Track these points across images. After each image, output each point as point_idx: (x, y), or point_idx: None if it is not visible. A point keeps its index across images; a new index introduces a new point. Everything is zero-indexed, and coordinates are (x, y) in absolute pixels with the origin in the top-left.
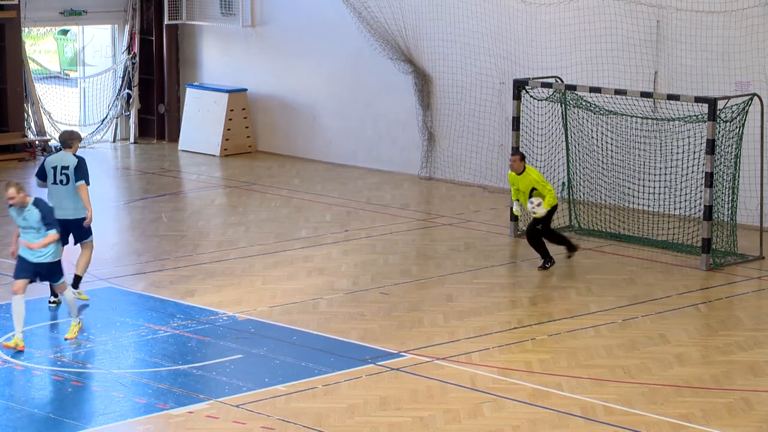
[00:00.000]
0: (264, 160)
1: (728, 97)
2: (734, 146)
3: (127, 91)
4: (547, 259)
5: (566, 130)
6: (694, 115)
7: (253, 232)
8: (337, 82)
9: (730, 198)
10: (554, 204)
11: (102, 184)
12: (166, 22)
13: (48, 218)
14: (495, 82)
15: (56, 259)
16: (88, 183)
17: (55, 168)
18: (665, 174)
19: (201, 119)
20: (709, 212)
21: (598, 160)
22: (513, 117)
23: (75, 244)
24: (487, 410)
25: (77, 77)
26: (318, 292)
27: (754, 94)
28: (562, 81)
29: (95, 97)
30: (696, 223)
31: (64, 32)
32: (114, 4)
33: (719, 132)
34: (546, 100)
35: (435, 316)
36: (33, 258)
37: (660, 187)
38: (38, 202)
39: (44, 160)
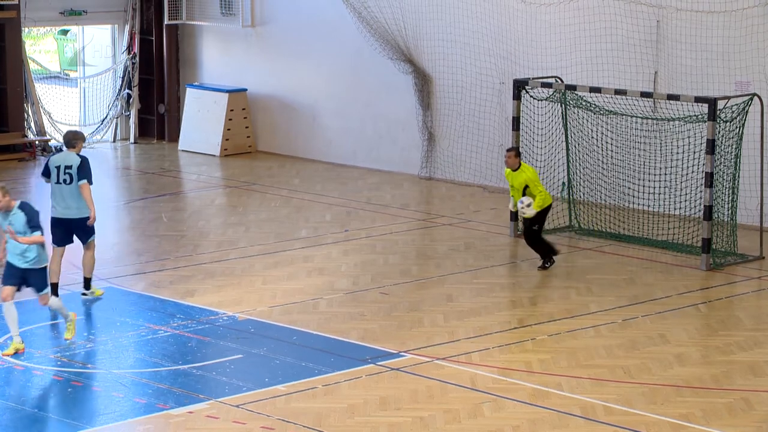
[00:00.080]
0: (264, 160)
1: (728, 97)
2: (734, 146)
3: (127, 91)
4: (547, 259)
5: (566, 130)
6: (694, 115)
7: (253, 232)
8: (337, 82)
9: (730, 198)
10: (546, 205)
11: (102, 184)
12: (166, 22)
13: (34, 221)
14: (495, 82)
15: (41, 266)
16: (90, 182)
17: (58, 167)
18: (665, 174)
19: (201, 119)
20: (709, 212)
21: (598, 160)
22: (513, 117)
23: (83, 243)
24: (487, 410)
25: (77, 77)
26: (318, 292)
27: (754, 94)
28: (562, 81)
29: (95, 97)
30: (696, 223)
31: (64, 32)
32: (114, 4)
33: (719, 132)
34: (546, 100)
35: (435, 316)
36: (21, 264)
37: (660, 187)
38: (24, 206)
39: (48, 159)
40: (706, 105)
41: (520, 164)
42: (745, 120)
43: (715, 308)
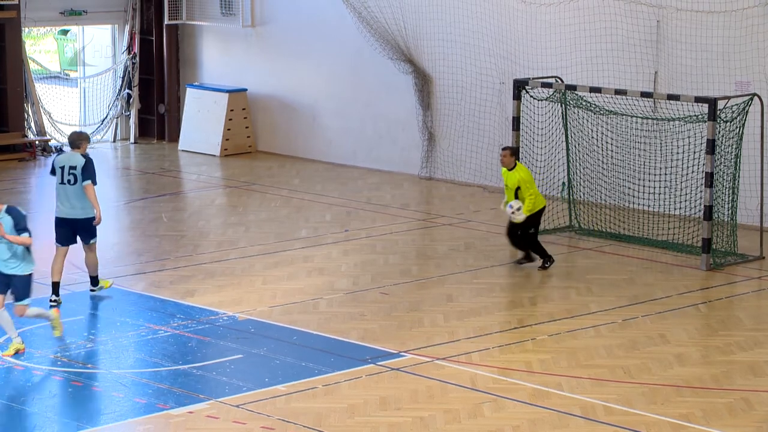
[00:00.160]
0: (264, 160)
1: (728, 97)
2: (734, 146)
3: (127, 91)
4: (546, 259)
5: (566, 130)
6: (694, 115)
7: (253, 232)
8: (337, 82)
9: (731, 198)
10: (539, 208)
11: (102, 184)
12: (166, 22)
13: (21, 224)
14: (495, 82)
15: (26, 273)
16: (95, 183)
17: (63, 168)
18: (665, 174)
19: (201, 119)
20: (709, 212)
21: (598, 160)
22: (513, 117)
23: (84, 243)
24: (487, 410)
25: (77, 77)
26: (318, 292)
27: (754, 94)
28: (562, 81)
29: (95, 97)
30: (696, 223)
31: (64, 32)
32: (114, 4)
33: (719, 132)
34: (546, 100)
35: (435, 316)
36: (6, 270)
37: (660, 187)
38: (11, 210)
39: (54, 158)
40: (706, 105)
41: (515, 164)
42: (745, 120)
43: (715, 308)
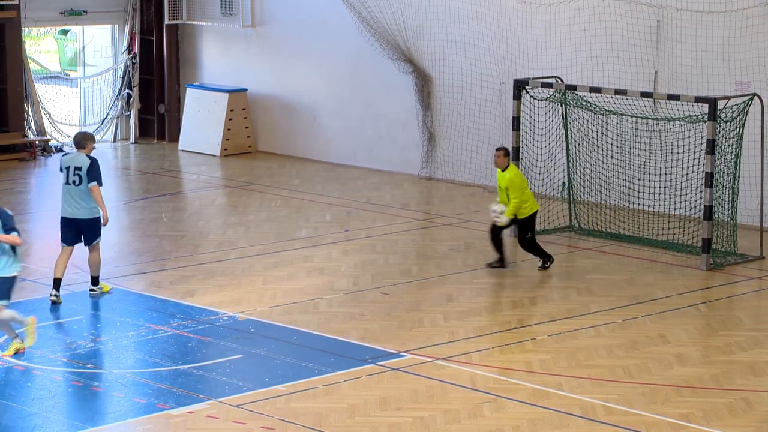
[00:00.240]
0: (264, 160)
1: (728, 97)
2: (734, 146)
3: (127, 91)
4: (546, 259)
5: (566, 130)
6: (695, 115)
7: (253, 232)
8: (337, 82)
9: (731, 198)
10: (531, 213)
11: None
12: (166, 22)
13: (9, 224)
14: (495, 82)
15: (8, 275)
16: (100, 184)
17: (68, 168)
18: (665, 174)
19: (201, 119)
20: (709, 212)
21: (598, 160)
22: (513, 117)
23: (85, 245)
24: (488, 410)
25: (77, 77)
26: (318, 292)
27: (755, 94)
28: (562, 81)
29: (95, 97)
30: (696, 223)
31: (65, 32)
32: (114, 4)
33: (719, 132)
34: (546, 100)
35: (435, 316)
36: None
37: (660, 187)
38: None
39: (61, 158)
40: (707, 105)
41: (509, 164)
42: (745, 120)
43: (715, 308)
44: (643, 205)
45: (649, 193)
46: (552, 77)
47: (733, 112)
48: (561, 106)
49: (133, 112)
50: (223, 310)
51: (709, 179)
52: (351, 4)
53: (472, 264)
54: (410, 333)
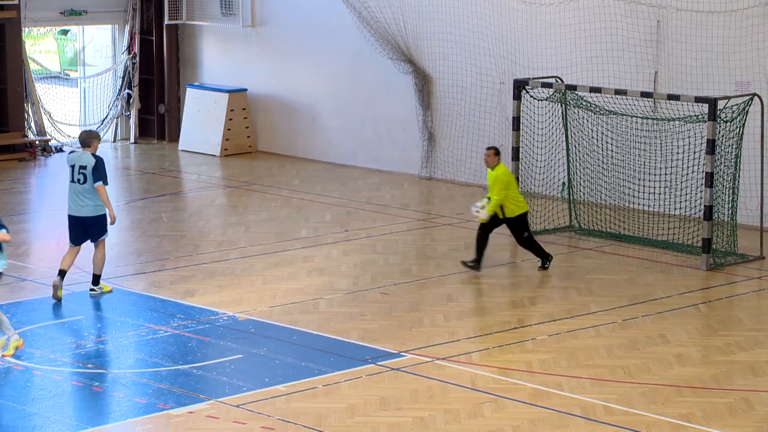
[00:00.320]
0: (264, 160)
1: (728, 97)
2: (734, 146)
3: (127, 91)
4: (545, 258)
5: (566, 130)
6: (695, 115)
7: (253, 232)
8: (337, 82)
9: (731, 198)
10: (521, 212)
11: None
12: (166, 22)
13: None
14: (495, 82)
15: None
16: (106, 183)
17: (73, 167)
18: (665, 174)
19: (201, 119)
20: (709, 212)
21: (598, 160)
22: (513, 117)
23: (91, 241)
24: (488, 410)
25: (77, 77)
26: (318, 292)
27: (755, 94)
28: (562, 81)
29: (95, 97)
30: (696, 223)
31: (65, 32)
32: (114, 4)
33: (719, 132)
34: (546, 100)
35: (435, 316)
36: None
37: (660, 187)
38: None
39: (67, 156)
40: (707, 105)
41: (498, 163)
42: (745, 120)
43: (715, 308)
44: (643, 205)
45: (649, 193)
46: (552, 77)
47: (733, 112)
48: (561, 106)
49: (133, 112)
50: (223, 310)
51: (709, 179)
52: (351, 4)
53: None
54: (410, 333)
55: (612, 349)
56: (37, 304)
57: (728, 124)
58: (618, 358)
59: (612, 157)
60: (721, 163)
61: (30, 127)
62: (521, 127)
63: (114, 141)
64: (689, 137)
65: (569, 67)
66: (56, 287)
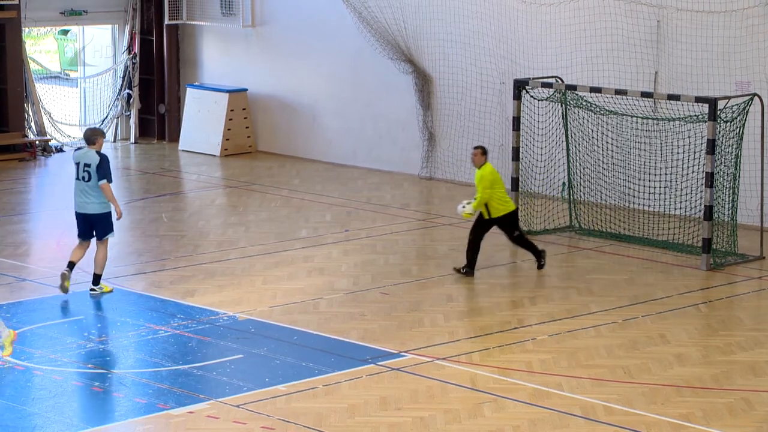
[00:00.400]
0: (264, 160)
1: (728, 97)
2: (735, 146)
3: (127, 91)
4: (539, 256)
5: (566, 130)
6: (695, 115)
7: (254, 232)
8: (337, 82)
9: (731, 198)
10: (508, 212)
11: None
12: (166, 22)
13: None
14: (495, 82)
15: None
16: (110, 181)
17: (78, 164)
18: (666, 174)
19: (201, 119)
20: (709, 212)
21: (599, 160)
22: (513, 117)
23: (97, 239)
24: (488, 410)
25: (77, 77)
26: (318, 292)
27: (755, 94)
28: (562, 81)
29: (96, 97)
30: (696, 223)
31: (65, 32)
32: (114, 4)
33: (720, 132)
34: (546, 100)
35: (435, 316)
36: None
37: (660, 187)
38: None
39: (72, 153)
40: (707, 105)
41: (485, 162)
42: (745, 120)
43: (715, 308)
44: (644, 205)
45: (650, 193)
46: (552, 77)
47: (733, 112)
48: (561, 106)
49: (134, 112)
50: (223, 310)
51: (710, 179)
52: (351, 4)
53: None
54: (410, 333)
55: (612, 349)
56: (37, 304)
57: (728, 124)
58: (618, 358)
59: (612, 157)
60: (721, 163)
61: (30, 127)
62: (521, 127)
63: (114, 141)
64: (689, 137)
65: (569, 67)
66: (64, 277)
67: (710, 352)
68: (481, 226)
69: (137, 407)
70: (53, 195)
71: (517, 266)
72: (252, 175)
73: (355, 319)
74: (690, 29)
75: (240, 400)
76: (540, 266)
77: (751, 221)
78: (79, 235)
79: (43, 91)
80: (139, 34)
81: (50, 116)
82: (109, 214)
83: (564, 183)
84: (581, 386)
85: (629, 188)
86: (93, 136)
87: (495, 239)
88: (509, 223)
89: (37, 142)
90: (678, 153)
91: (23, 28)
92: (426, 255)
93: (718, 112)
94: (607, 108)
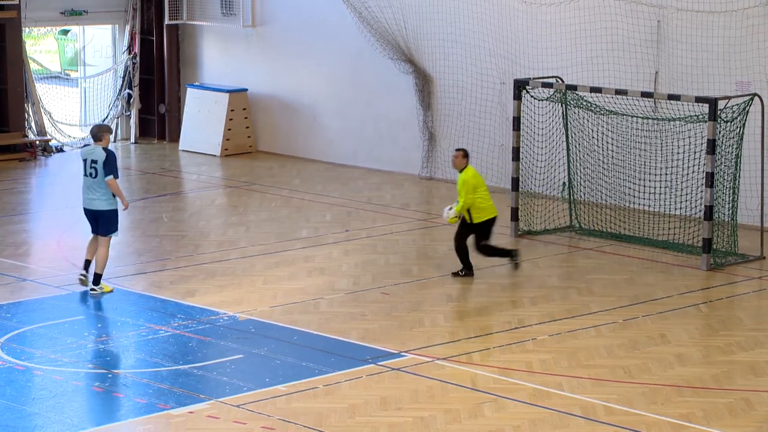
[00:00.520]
0: (264, 160)
1: (729, 97)
2: (735, 146)
3: (127, 91)
4: (510, 255)
5: (567, 130)
6: (695, 115)
7: (254, 232)
8: (337, 82)
9: (731, 198)
10: (488, 218)
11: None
12: (166, 22)
13: None
14: (496, 82)
15: None
16: (116, 177)
17: (85, 161)
18: (666, 174)
19: (201, 119)
20: (709, 212)
21: (599, 160)
22: (513, 117)
23: (101, 235)
24: (488, 410)
25: (78, 77)
26: (319, 292)
27: (755, 94)
28: (562, 81)
29: (96, 97)
30: (697, 223)
31: (65, 32)
32: (114, 4)
33: (720, 132)
34: (546, 100)
35: (435, 316)
36: None
37: (661, 187)
38: None
39: (80, 150)
40: (707, 105)
41: (466, 165)
42: (745, 120)
43: (715, 308)
44: (644, 205)
45: (650, 193)
46: (552, 77)
47: (733, 112)
48: (561, 106)
49: (134, 112)
50: (223, 310)
51: (710, 179)
52: (351, 4)
53: (472, 264)
54: (411, 333)
55: (612, 349)
56: (37, 304)
57: (728, 124)
58: (618, 358)
59: (612, 157)
60: (721, 163)
61: (30, 127)
62: (521, 127)
63: (114, 141)
64: (690, 137)
65: (569, 67)
66: (83, 282)
67: (710, 352)
68: (464, 231)
69: (137, 407)
70: (53, 195)
71: (517, 266)
72: (252, 175)
73: (356, 319)
74: (690, 29)
75: (240, 400)
76: (515, 265)
77: (751, 221)
78: (93, 231)
79: (43, 91)
80: (139, 34)
81: (50, 116)
82: (115, 211)
83: (564, 183)
84: (581, 386)
85: (629, 188)
86: (99, 133)
87: (495, 239)
88: (483, 231)
89: (37, 142)
90: (678, 153)
91: (23, 28)
92: (426, 255)
93: (719, 112)
94: (607, 108)
